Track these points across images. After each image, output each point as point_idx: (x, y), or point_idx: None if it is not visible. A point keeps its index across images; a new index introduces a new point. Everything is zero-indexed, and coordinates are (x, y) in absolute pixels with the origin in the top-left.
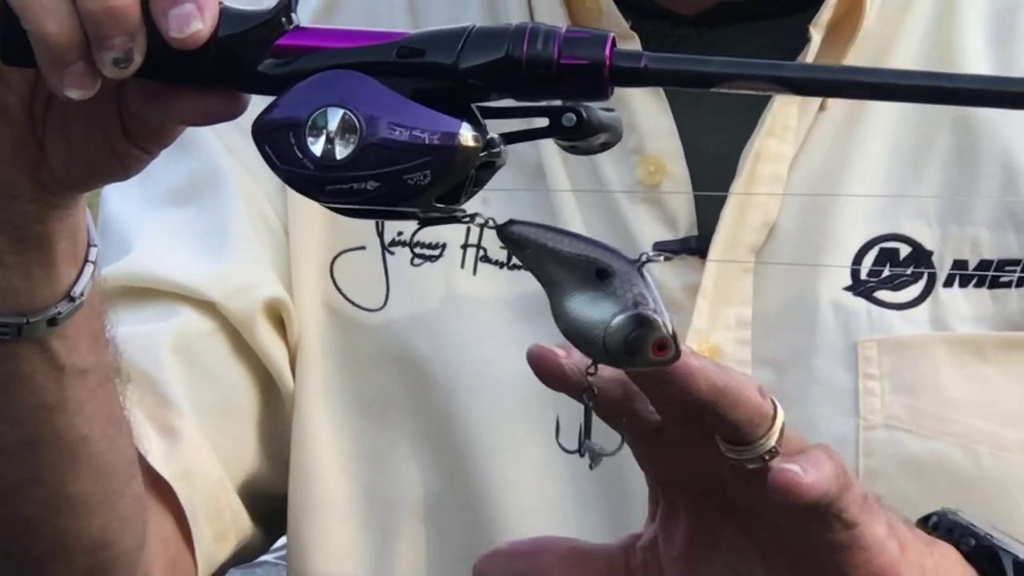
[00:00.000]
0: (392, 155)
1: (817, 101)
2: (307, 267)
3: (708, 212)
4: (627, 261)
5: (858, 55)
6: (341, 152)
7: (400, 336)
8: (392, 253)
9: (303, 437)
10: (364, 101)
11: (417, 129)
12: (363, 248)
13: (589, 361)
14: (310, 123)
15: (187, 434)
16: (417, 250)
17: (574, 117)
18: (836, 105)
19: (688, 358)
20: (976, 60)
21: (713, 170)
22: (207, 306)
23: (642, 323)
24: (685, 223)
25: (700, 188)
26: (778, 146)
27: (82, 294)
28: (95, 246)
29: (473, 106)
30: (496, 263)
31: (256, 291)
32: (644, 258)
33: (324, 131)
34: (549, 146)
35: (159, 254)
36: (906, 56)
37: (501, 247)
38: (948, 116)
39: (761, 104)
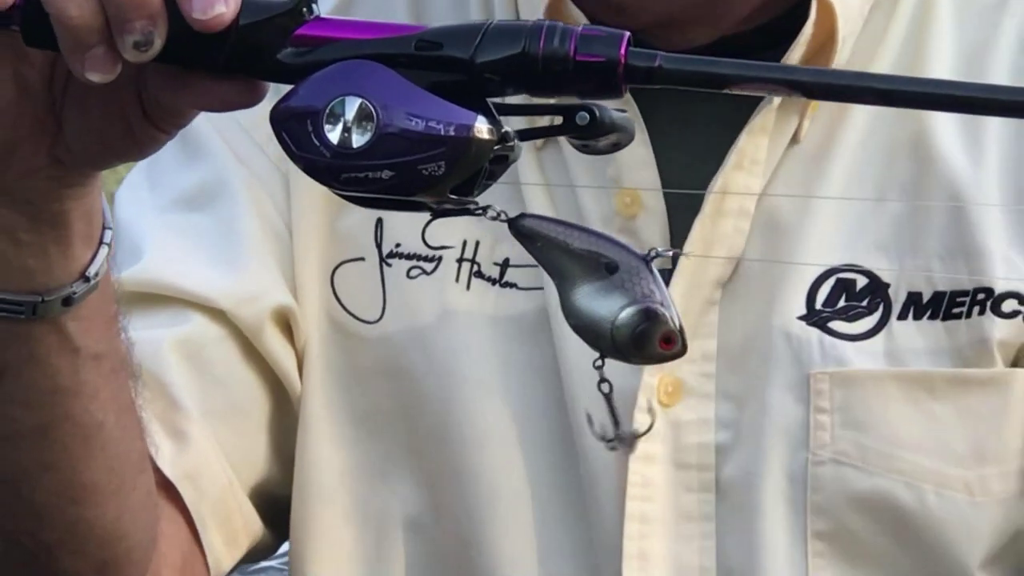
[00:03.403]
0: (408, 145)
1: (789, 134)
2: (310, 277)
3: (682, 245)
4: (636, 256)
5: None
6: (358, 141)
7: (395, 350)
8: (389, 265)
9: (305, 445)
10: (381, 91)
11: (433, 120)
12: (362, 259)
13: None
14: (328, 111)
15: (196, 437)
16: (413, 262)
17: (587, 116)
18: (808, 138)
19: None
20: None
21: (687, 203)
22: (217, 313)
23: (650, 316)
24: None
25: (675, 221)
26: (745, 179)
27: (97, 275)
28: (110, 229)
29: (488, 101)
30: (489, 279)
31: (265, 299)
32: (653, 253)
33: (341, 119)
34: (530, 175)
35: (170, 261)
36: None
37: (494, 263)
38: (908, 144)
39: (735, 137)
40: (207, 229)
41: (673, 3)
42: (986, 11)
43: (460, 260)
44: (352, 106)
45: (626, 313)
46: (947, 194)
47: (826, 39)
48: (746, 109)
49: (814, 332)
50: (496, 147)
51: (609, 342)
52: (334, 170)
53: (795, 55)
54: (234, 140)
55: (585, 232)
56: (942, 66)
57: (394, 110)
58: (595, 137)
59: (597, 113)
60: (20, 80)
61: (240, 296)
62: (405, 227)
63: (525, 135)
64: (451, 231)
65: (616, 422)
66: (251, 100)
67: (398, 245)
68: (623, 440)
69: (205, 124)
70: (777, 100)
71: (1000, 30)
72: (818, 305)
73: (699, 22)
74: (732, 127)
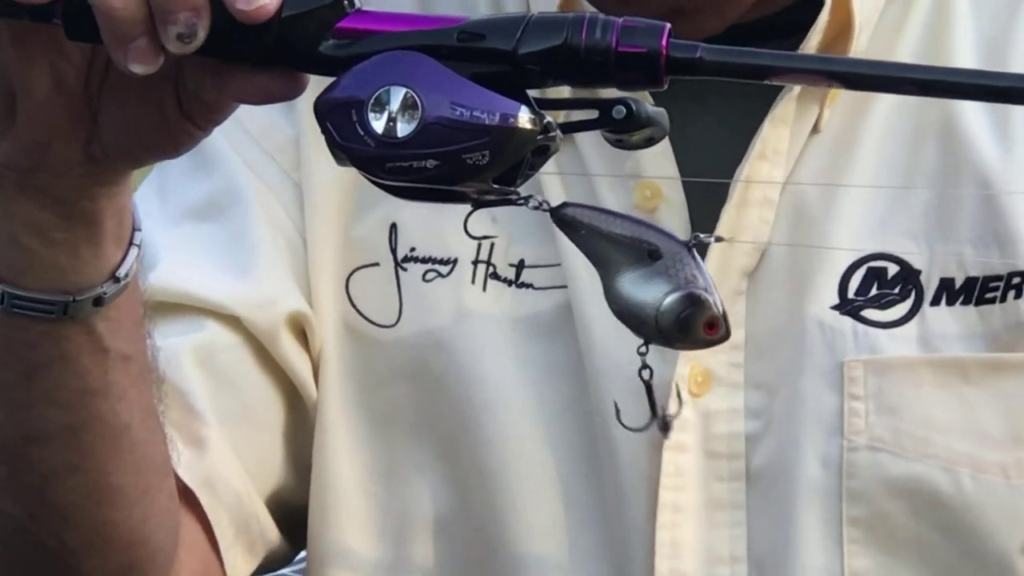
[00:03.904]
0: (452, 135)
1: (809, 124)
2: (325, 283)
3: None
4: (678, 242)
5: None
6: (402, 130)
7: (413, 352)
8: (405, 269)
9: (323, 450)
10: (426, 81)
11: (477, 110)
12: (377, 264)
13: None
14: (373, 101)
15: (213, 443)
16: (429, 265)
17: (624, 109)
18: (830, 128)
19: None
20: None
21: (707, 196)
22: (231, 320)
23: (694, 302)
24: None
25: (696, 212)
26: (769, 170)
27: (127, 275)
28: (139, 230)
29: (529, 92)
30: (505, 280)
31: (279, 304)
32: (695, 239)
33: (386, 109)
34: (548, 176)
35: (183, 270)
36: None
37: (510, 264)
38: (935, 130)
39: (753, 128)
40: (219, 238)
41: None
42: (1002, 4)
43: (475, 262)
44: (397, 96)
45: (670, 299)
46: (976, 180)
47: (842, 27)
48: (760, 102)
49: (847, 321)
50: (539, 137)
51: (653, 328)
52: (379, 160)
53: (811, 43)
54: (244, 150)
55: (627, 219)
56: (964, 59)
57: (439, 100)
58: (631, 131)
59: (634, 107)
60: (57, 76)
61: (254, 302)
62: (419, 231)
63: (562, 129)
64: (464, 235)
65: (654, 409)
66: (292, 92)
67: (413, 249)
68: (663, 425)
69: (215, 134)
70: (797, 90)
71: (1016, 23)
72: (850, 294)
73: (706, 11)
74: (747, 120)
